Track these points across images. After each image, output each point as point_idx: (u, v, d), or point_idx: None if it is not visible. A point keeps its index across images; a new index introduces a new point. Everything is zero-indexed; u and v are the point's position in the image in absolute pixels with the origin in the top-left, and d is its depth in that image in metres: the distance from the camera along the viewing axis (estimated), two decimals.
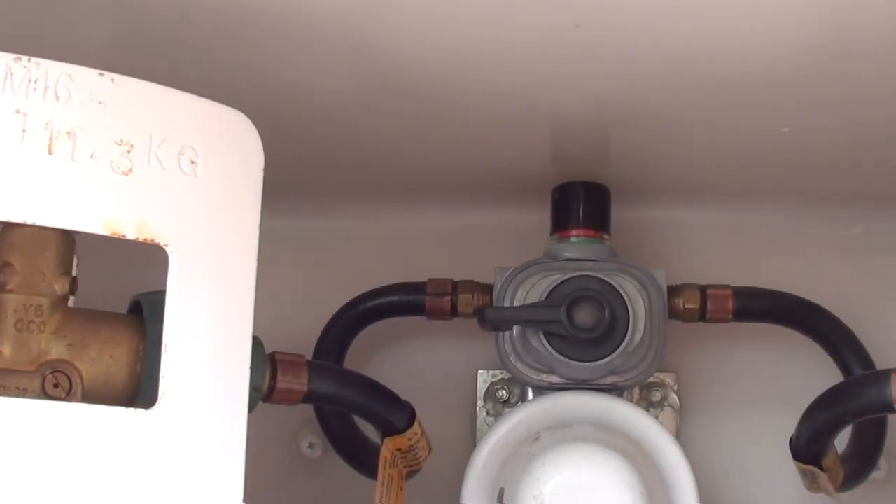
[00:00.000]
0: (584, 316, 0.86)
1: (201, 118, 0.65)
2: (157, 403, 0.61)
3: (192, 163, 0.64)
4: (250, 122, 0.66)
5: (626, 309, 0.88)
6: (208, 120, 0.65)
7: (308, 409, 0.99)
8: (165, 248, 0.63)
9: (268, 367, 0.79)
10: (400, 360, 1.04)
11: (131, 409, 0.61)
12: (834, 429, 0.84)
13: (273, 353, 0.80)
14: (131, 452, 0.60)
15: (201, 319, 0.63)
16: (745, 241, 1.04)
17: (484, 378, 1.01)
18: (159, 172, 0.63)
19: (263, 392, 0.79)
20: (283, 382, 0.80)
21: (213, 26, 0.75)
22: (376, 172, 0.99)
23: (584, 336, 0.86)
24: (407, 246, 1.04)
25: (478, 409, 1.01)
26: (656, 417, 0.99)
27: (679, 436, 1.00)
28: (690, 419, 1.01)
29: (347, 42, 0.78)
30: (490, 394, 1.01)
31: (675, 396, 1.00)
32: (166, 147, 0.63)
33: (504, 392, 1.01)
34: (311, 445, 1.02)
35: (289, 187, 1.01)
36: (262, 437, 1.01)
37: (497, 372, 1.01)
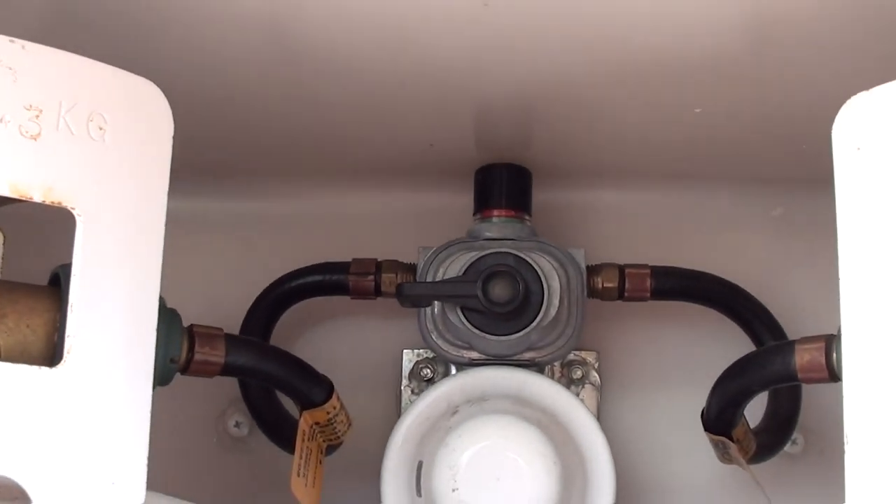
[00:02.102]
0: (499, 290, 0.87)
1: (111, 86, 0.66)
2: (62, 362, 0.62)
3: (101, 129, 0.65)
4: (159, 91, 0.68)
5: (541, 284, 0.89)
6: (118, 88, 0.67)
7: (235, 389, 1.00)
8: (73, 212, 0.64)
9: (185, 339, 0.80)
10: (326, 339, 1.05)
11: (36, 367, 0.62)
12: (742, 399, 0.86)
13: (191, 326, 0.81)
14: (37, 409, 0.61)
15: (108, 281, 0.64)
16: (666, 223, 1.06)
17: (409, 357, 1.03)
18: (68, 138, 0.64)
19: (181, 364, 0.80)
20: (201, 354, 0.81)
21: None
22: (302, 155, 1.00)
23: (499, 310, 0.87)
24: (334, 227, 1.06)
25: (403, 387, 1.02)
26: (577, 395, 1.01)
27: (600, 413, 1.02)
28: (611, 396, 1.03)
29: (265, 25, 0.79)
30: (415, 373, 1.02)
31: (596, 374, 1.02)
32: (75, 113, 0.65)
33: (428, 371, 1.02)
34: (237, 424, 1.03)
35: (216, 170, 1.03)
36: (190, 417, 1.05)
37: (422, 351, 1.03)
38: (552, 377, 0.99)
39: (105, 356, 0.63)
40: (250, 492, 1.03)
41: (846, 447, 0.62)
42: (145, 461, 0.64)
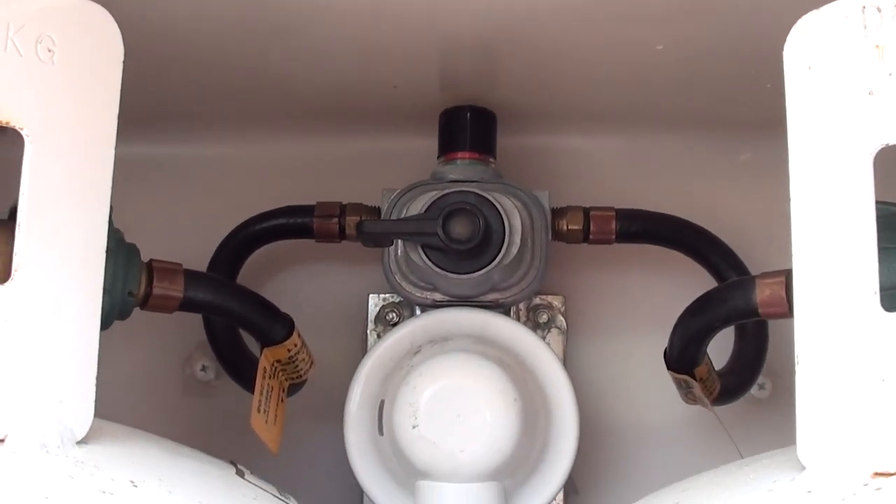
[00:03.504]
0: (460, 227, 0.87)
1: (59, 9, 0.66)
2: (10, 280, 0.62)
3: (50, 51, 0.65)
4: (109, 15, 0.67)
5: (503, 222, 0.89)
6: (66, 10, 0.66)
7: (201, 333, 1.00)
8: (21, 132, 0.63)
9: (144, 274, 0.80)
10: (293, 284, 1.05)
11: None
12: (704, 336, 0.86)
13: (150, 261, 0.81)
14: None
15: (56, 201, 0.63)
16: (634, 168, 1.06)
17: (375, 301, 1.03)
18: (16, 58, 0.64)
19: (139, 298, 0.80)
20: (159, 289, 0.80)
21: None
22: (266, 99, 1.00)
23: (459, 248, 0.87)
24: (300, 172, 1.06)
25: (369, 332, 1.02)
26: (543, 339, 1.01)
27: (566, 357, 1.02)
28: (578, 341, 1.04)
29: None
30: (381, 317, 1.02)
31: (563, 318, 1.02)
32: (23, 34, 0.64)
33: (394, 315, 1.02)
34: (204, 368, 1.04)
35: (181, 116, 1.03)
36: (156, 361, 1.05)
37: (387, 296, 1.02)
38: (518, 321, 0.99)
39: (53, 275, 0.63)
40: (217, 435, 1.03)
41: (797, 367, 0.62)
42: (94, 382, 0.64)
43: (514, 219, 0.90)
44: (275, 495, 0.70)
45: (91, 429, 0.64)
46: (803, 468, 0.60)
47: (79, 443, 0.62)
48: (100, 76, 0.67)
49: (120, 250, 0.79)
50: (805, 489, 0.59)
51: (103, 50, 0.67)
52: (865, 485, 0.57)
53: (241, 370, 0.98)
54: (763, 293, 0.79)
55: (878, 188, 0.62)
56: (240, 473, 0.71)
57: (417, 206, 0.91)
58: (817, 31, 0.63)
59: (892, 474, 0.57)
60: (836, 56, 0.62)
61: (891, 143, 0.60)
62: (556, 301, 1.03)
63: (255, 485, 0.70)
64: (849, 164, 0.61)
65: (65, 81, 0.65)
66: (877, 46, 0.61)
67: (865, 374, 0.59)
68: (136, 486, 0.60)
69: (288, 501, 0.71)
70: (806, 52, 0.63)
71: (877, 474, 0.57)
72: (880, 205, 0.72)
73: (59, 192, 0.64)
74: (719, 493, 0.64)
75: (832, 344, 0.60)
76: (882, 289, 0.68)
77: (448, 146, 0.98)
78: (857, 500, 0.56)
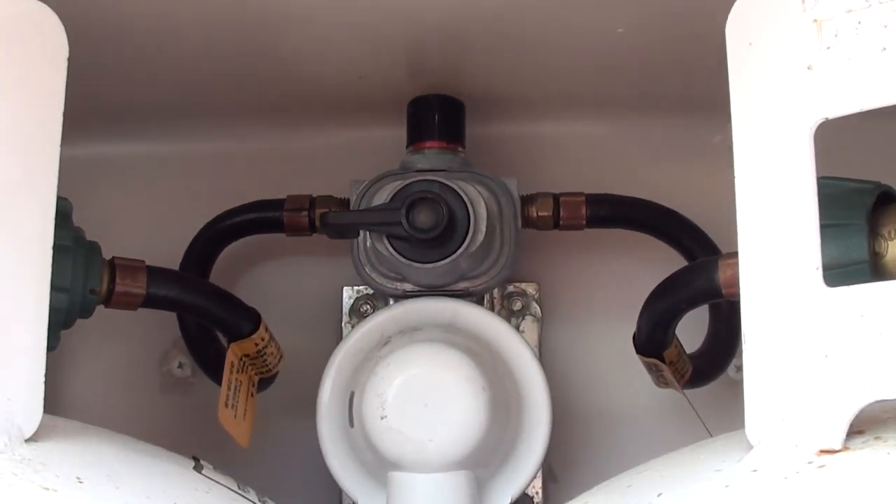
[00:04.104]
0: (423, 216, 0.87)
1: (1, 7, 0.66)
2: None
3: None
4: (53, 14, 0.67)
5: (467, 210, 0.89)
6: (8, 9, 0.66)
7: (177, 331, 1.00)
8: None
9: (106, 271, 0.81)
10: (268, 278, 1.06)
11: None
12: (671, 319, 0.85)
13: (112, 258, 0.82)
14: None
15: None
16: (605, 153, 1.06)
17: (349, 294, 1.03)
18: None
19: (102, 295, 0.80)
20: (122, 286, 0.81)
21: None
22: (235, 94, 1.00)
23: (423, 236, 0.87)
24: (271, 166, 1.06)
25: (343, 324, 1.02)
26: (518, 327, 1.01)
27: (542, 344, 1.01)
28: (553, 327, 1.03)
29: None
30: (355, 309, 1.02)
31: (537, 305, 1.02)
32: None
33: (368, 307, 1.02)
34: (181, 365, 1.04)
35: (149, 112, 1.03)
36: (134, 359, 1.05)
37: (361, 288, 1.02)
38: (493, 310, 0.99)
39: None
40: (195, 431, 1.03)
41: (744, 346, 0.61)
42: (42, 379, 0.64)
43: (479, 207, 0.90)
44: (232, 489, 0.70)
45: (43, 426, 0.64)
46: (752, 448, 0.60)
47: (28, 440, 0.62)
48: (43, 75, 0.67)
49: (80, 249, 0.79)
50: (750, 468, 0.58)
51: (47, 49, 0.67)
52: (810, 462, 0.56)
53: (216, 366, 0.97)
54: (725, 273, 0.78)
55: (823, 163, 0.62)
56: (198, 468, 0.71)
57: (382, 196, 0.91)
58: (757, 8, 0.63)
59: (836, 451, 0.56)
60: (775, 32, 0.62)
61: (830, 117, 0.59)
62: (530, 288, 1.02)
63: (211, 478, 0.70)
64: (789, 139, 0.60)
65: (5, 80, 0.65)
66: (815, 21, 0.60)
67: (810, 351, 0.58)
68: (81, 483, 0.60)
69: (246, 494, 0.71)
70: (747, 30, 0.63)
71: (822, 452, 0.57)
72: (829, 180, 0.72)
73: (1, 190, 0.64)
74: (671, 475, 0.63)
75: (777, 321, 0.60)
76: (829, 266, 0.68)
77: (416, 136, 0.98)
78: (799, 478, 0.55)
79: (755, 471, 0.58)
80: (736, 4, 0.63)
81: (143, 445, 0.72)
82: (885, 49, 0.58)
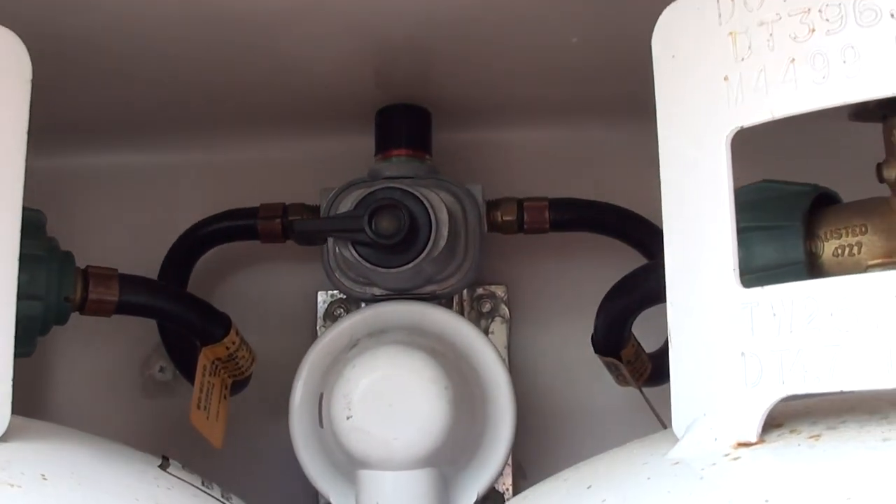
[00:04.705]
0: (385, 223, 0.90)
1: None
2: None
3: None
4: (14, 35, 0.71)
5: (428, 215, 0.92)
6: None
7: (158, 337, 1.04)
8: None
9: (79, 280, 0.84)
10: (244, 285, 1.09)
11: None
12: (625, 319, 0.88)
13: (86, 267, 0.85)
14: None
15: None
16: (568, 159, 1.08)
17: (323, 298, 1.06)
18: None
19: (76, 303, 0.84)
20: (95, 293, 0.84)
21: None
22: (207, 106, 1.03)
23: (385, 242, 0.90)
24: (244, 177, 1.10)
25: (318, 328, 1.06)
26: (487, 329, 1.04)
27: (510, 345, 1.05)
28: (521, 328, 1.06)
29: None
30: (329, 313, 1.06)
31: (506, 307, 1.05)
32: None
33: (342, 311, 1.05)
34: (161, 369, 1.08)
35: (121, 126, 1.07)
36: (115, 363, 1.09)
37: (335, 292, 1.06)
38: (462, 313, 1.02)
39: None
40: (176, 434, 1.06)
41: (669, 344, 0.64)
42: (9, 382, 0.67)
43: (441, 212, 0.93)
44: (196, 486, 0.74)
45: (13, 427, 0.67)
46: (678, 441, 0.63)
47: None
48: (6, 96, 0.70)
49: (54, 258, 0.82)
50: (672, 461, 0.61)
51: (9, 70, 0.71)
52: (726, 455, 0.59)
53: (195, 371, 1.01)
54: None
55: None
56: (164, 466, 0.74)
57: (349, 204, 0.94)
58: (679, 20, 0.65)
59: (752, 444, 0.59)
60: (695, 44, 0.64)
61: (745, 125, 0.62)
62: (499, 290, 1.05)
63: (176, 476, 0.73)
64: (708, 146, 0.63)
65: None
66: (730, 33, 0.63)
67: (727, 349, 0.61)
68: (45, 479, 0.64)
69: (210, 491, 0.74)
70: (670, 42, 0.66)
71: (739, 444, 0.60)
72: (768, 184, 0.75)
73: None
74: (604, 469, 0.66)
75: (697, 321, 0.62)
76: (766, 267, 0.71)
77: (384, 144, 1.01)
78: (714, 469, 0.58)
79: (676, 463, 0.61)
80: (661, 17, 0.66)
81: (111, 445, 0.75)
82: (793, 60, 0.60)
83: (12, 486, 0.62)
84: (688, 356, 0.63)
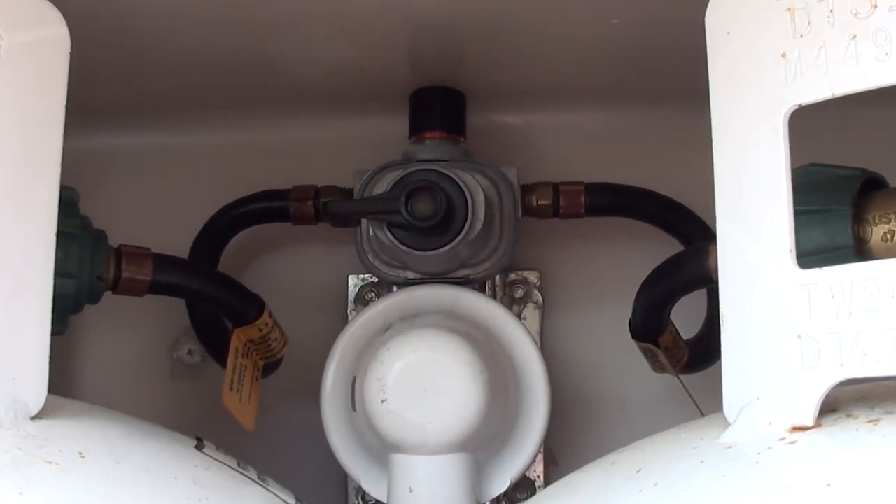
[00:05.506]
0: (422, 205, 0.89)
1: (5, 3, 0.68)
2: None
3: None
4: (56, 10, 0.70)
5: (465, 198, 0.91)
6: (13, 5, 0.69)
7: (187, 319, 1.03)
8: None
9: (112, 258, 0.83)
10: (275, 267, 1.08)
11: None
12: (664, 304, 0.87)
13: (119, 246, 0.84)
14: None
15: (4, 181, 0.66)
16: (605, 143, 1.07)
17: (354, 282, 1.05)
18: None
19: (109, 282, 0.83)
20: (128, 272, 0.83)
21: None
22: (242, 87, 1.02)
23: (421, 224, 0.89)
24: (276, 157, 1.08)
25: (349, 312, 1.05)
26: (520, 314, 1.03)
27: (543, 332, 1.03)
28: (554, 314, 1.05)
29: None
30: (360, 297, 1.05)
31: (539, 293, 1.04)
32: None
33: (373, 295, 1.04)
34: (190, 352, 1.07)
35: (155, 105, 1.05)
36: (144, 346, 1.08)
37: (366, 276, 1.05)
38: (495, 297, 1.01)
39: (3, 261, 0.65)
40: (204, 416, 1.05)
41: (722, 326, 0.63)
42: (47, 359, 0.66)
43: (478, 195, 0.92)
44: (232, 467, 0.73)
45: (49, 405, 0.66)
46: (729, 426, 0.61)
47: (33, 418, 0.65)
48: (47, 70, 0.69)
49: (87, 236, 0.81)
50: (726, 445, 0.60)
51: (50, 44, 0.69)
52: (782, 439, 0.58)
53: (224, 353, 1.00)
54: (716, 259, 0.79)
55: (801, 150, 0.64)
56: (199, 447, 0.73)
57: (384, 186, 0.93)
58: None
59: (808, 428, 0.58)
60: (751, 21, 0.63)
61: (803, 104, 0.61)
62: (532, 276, 1.04)
63: (212, 457, 0.72)
64: (764, 125, 0.62)
65: (9, 74, 0.68)
66: (788, 9, 0.62)
67: (783, 332, 0.60)
68: (83, 457, 0.63)
69: (246, 472, 0.74)
70: (724, 19, 0.64)
71: (794, 428, 0.59)
72: (817, 167, 0.74)
73: (4, 180, 0.66)
74: (652, 453, 0.65)
75: (752, 303, 0.61)
76: (814, 251, 0.70)
77: (418, 127, 1.00)
78: (771, 453, 0.57)
79: (729, 447, 0.60)
80: None
81: (146, 425, 0.74)
82: (855, 36, 0.59)
83: (50, 463, 0.62)
84: (741, 339, 0.62)
